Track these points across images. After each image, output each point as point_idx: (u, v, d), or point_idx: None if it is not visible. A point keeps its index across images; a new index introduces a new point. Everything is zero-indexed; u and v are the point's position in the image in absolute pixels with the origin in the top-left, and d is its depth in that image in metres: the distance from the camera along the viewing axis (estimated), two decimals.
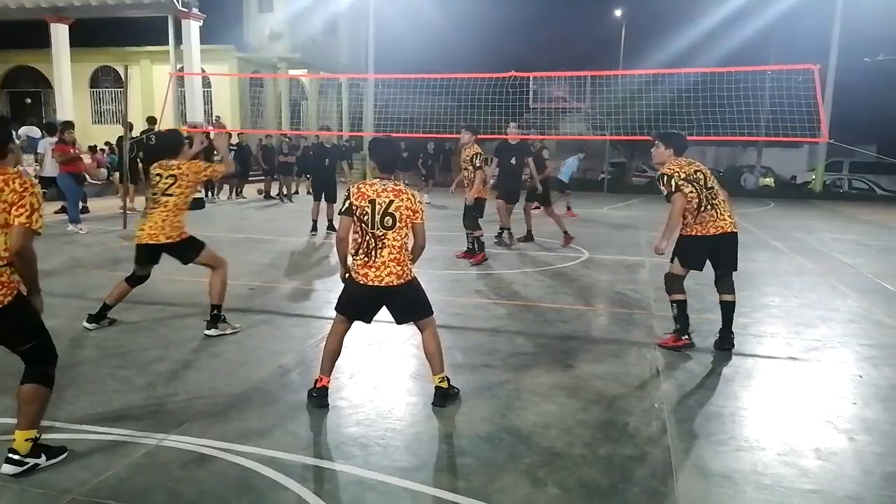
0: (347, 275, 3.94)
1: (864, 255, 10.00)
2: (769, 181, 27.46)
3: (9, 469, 3.04)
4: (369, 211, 3.79)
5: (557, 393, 4.23)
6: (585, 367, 4.75)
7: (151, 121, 14.03)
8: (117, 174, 15.21)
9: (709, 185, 5.04)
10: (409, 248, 3.95)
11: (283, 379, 4.39)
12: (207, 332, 5.28)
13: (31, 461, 3.08)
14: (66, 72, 19.66)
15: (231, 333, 5.31)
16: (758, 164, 27.62)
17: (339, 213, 3.92)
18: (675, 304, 5.17)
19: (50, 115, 24.58)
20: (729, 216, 5.09)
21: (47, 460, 3.13)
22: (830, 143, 12.08)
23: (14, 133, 4.25)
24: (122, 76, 12.20)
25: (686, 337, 5.15)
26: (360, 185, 3.85)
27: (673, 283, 5.18)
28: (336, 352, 3.99)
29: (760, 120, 14.52)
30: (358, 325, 4.06)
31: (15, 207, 2.90)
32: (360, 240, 3.85)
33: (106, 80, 27.67)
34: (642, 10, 33.53)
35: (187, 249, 5.37)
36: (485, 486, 3.08)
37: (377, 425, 3.70)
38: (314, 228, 10.97)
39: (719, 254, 5.10)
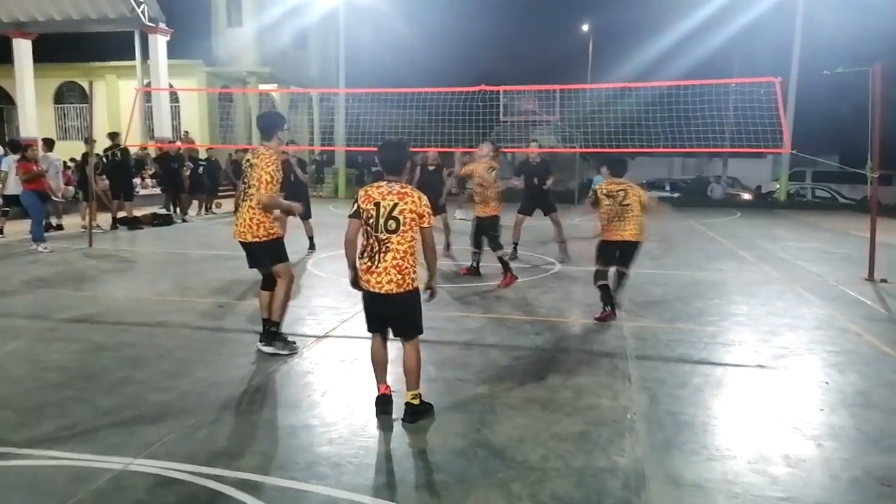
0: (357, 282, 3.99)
1: (827, 263, 10.23)
2: (736, 192, 27.97)
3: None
4: (374, 214, 3.82)
5: (531, 406, 4.23)
6: (559, 379, 4.76)
7: (114, 136, 13.79)
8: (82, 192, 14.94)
9: (625, 203, 6.30)
10: (422, 254, 3.96)
11: (254, 398, 4.32)
12: (262, 347, 5.12)
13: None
14: (29, 88, 19.33)
15: (288, 355, 5.09)
16: (724, 175, 28.14)
17: (348, 217, 3.97)
18: (599, 289, 6.55)
19: (13, 132, 24.07)
20: (632, 227, 6.33)
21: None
22: (793, 153, 12.39)
23: None
24: (87, 92, 11.98)
25: (609, 309, 6.49)
26: (368, 189, 3.92)
27: (597, 276, 6.57)
28: (380, 361, 4.04)
29: (725, 131, 14.81)
30: (326, 343, 4.02)
31: None
32: (365, 242, 3.90)
33: (71, 96, 27.22)
34: (609, 24, 34.13)
35: (270, 254, 5.06)
36: (459, 503, 3.06)
37: (350, 443, 3.65)
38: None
39: (622, 254, 6.49)
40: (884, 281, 8.52)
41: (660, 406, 4.28)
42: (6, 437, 3.65)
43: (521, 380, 4.72)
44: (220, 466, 3.33)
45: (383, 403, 4.01)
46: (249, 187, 4.94)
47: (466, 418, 4.01)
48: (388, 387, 4.07)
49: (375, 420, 3.98)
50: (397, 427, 3.89)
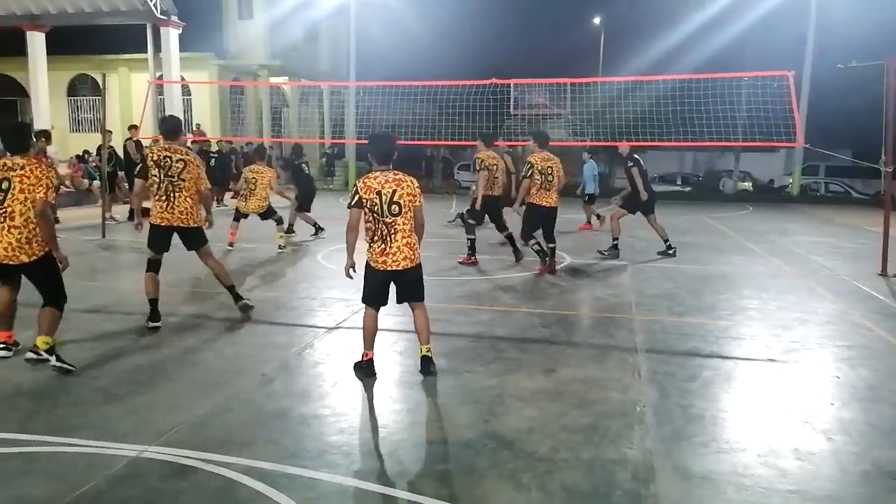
0: (353, 266, 4.45)
1: (839, 258, 10.16)
2: (747, 185, 27.78)
3: (30, 356, 4.40)
4: (378, 201, 4.26)
5: (540, 398, 4.25)
6: (567, 371, 4.77)
7: (132, 129, 13.87)
8: (95, 183, 15.02)
9: (549, 175, 7.83)
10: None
11: (265, 388, 4.36)
12: (239, 303, 6.10)
13: (46, 356, 4.38)
14: (42, 80, 19.43)
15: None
16: (736, 169, 27.92)
17: (348, 207, 4.36)
18: (533, 247, 8.13)
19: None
20: (555, 196, 7.97)
21: (57, 361, 4.39)
22: (806, 147, 12.29)
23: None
24: (100, 84, 12.04)
25: (546, 263, 8.13)
26: (366, 179, 4.31)
27: (526, 236, 8.09)
28: (372, 330, 4.53)
29: (737, 125, 14.72)
30: (336, 334, 4.05)
31: (36, 187, 4.41)
32: (373, 228, 4.33)
33: (84, 89, 27.36)
34: (620, 18, 33.93)
35: (204, 235, 5.90)
36: (468, 492, 3.08)
37: (361, 433, 3.69)
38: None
39: (548, 221, 8.01)
40: None
41: (669, 399, 4.28)
42: (22, 423, 3.71)
43: (529, 372, 4.74)
44: (231, 454, 3.37)
45: (368, 368, 4.49)
46: (182, 180, 5.60)
47: (476, 410, 4.03)
48: (373, 354, 4.53)
49: (386, 411, 4.00)
50: (407, 418, 3.92)
